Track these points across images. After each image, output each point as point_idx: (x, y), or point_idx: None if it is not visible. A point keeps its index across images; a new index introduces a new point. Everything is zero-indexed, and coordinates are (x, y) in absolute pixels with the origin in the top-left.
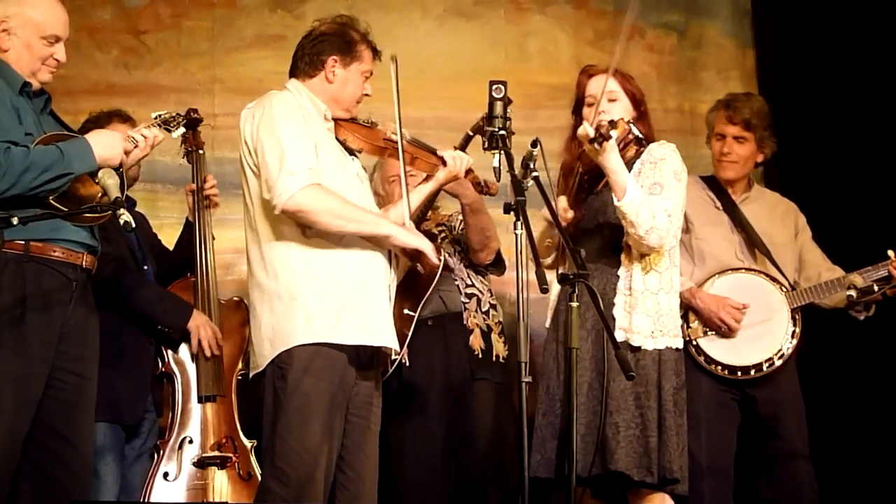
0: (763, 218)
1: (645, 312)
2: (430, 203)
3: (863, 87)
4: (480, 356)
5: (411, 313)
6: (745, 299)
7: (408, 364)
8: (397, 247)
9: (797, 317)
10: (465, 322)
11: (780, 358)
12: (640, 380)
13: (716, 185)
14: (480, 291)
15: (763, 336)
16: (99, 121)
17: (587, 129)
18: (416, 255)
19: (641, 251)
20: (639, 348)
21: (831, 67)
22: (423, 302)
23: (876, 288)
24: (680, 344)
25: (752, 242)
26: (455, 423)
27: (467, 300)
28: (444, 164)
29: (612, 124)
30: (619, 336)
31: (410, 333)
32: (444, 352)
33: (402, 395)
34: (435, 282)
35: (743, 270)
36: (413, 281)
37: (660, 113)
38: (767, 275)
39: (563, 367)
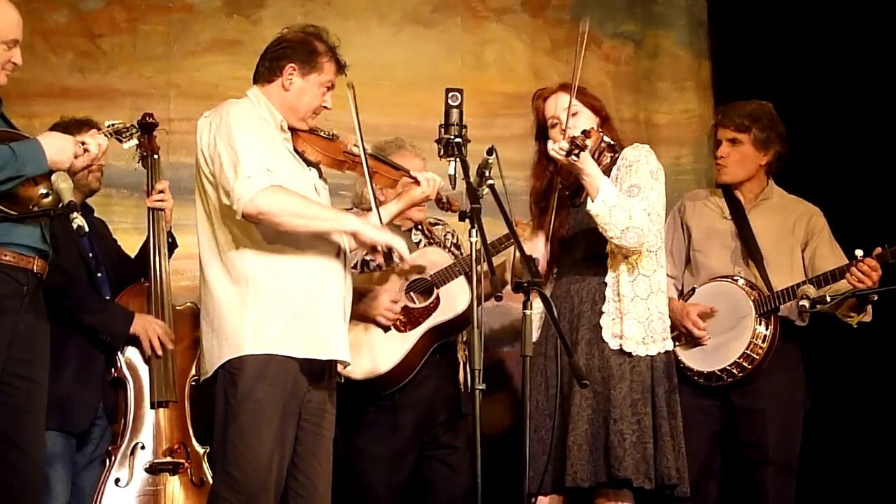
0: (773, 223)
1: (636, 319)
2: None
3: (815, 96)
4: (463, 389)
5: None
6: (717, 306)
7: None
8: (366, 244)
9: (772, 322)
10: (457, 353)
11: (749, 362)
12: (636, 386)
13: (729, 193)
14: None
15: (730, 342)
16: (69, 128)
17: (563, 145)
18: (386, 253)
19: (623, 252)
20: (634, 355)
21: (785, 78)
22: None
23: (829, 298)
24: (670, 346)
25: (748, 250)
26: (428, 446)
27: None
28: (418, 183)
29: (586, 134)
30: (614, 344)
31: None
32: (441, 383)
33: (396, 410)
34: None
35: (719, 279)
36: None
37: (615, 122)
38: (748, 282)
39: (550, 382)
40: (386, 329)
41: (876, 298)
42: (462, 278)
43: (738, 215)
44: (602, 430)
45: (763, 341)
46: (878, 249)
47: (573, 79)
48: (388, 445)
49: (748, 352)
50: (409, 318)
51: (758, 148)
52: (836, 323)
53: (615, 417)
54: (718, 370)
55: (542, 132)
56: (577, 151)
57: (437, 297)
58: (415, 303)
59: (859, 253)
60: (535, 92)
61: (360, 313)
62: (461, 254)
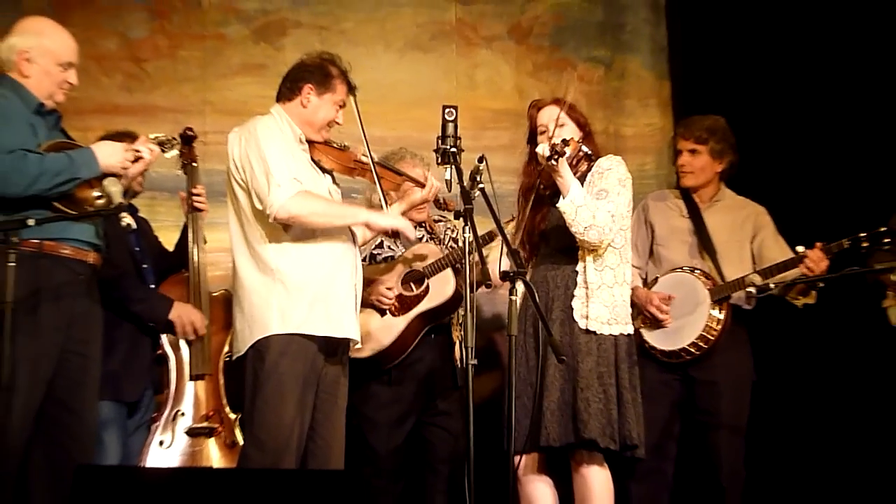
0: (724, 221)
1: (602, 303)
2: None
3: (760, 111)
4: (459, 365)
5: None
6: (677, 295)
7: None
8: (377, 230)
9: (724, 307)
10: (452, 334)
11: (705, 342)
12: (602, 361)
13: (687, 195)
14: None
15: (688, 325)
16: (112, 139)
17: (545, 149)
18: (395, 234)
19: (585, 247)
20: (598, 333)
21: (734, 96)
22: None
23: (772, 286)
24: (631, 330)
25: (704, 245)
26: (426, 413)
27: (453, 315)
28: (422, 186)
29: (566, 142)
30: (582, 324)
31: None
32: (435, 360)
33: (394, 383)
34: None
35: (679, 270)
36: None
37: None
38: (703, 272)
39: (530, 356)
40: (382, 313)
41: (822, 285)
42: (449, 270)
43: (695, 215)
44: (571, 397)
45: (717, 324)
46: (818, 244)
47: (564, 96)
48: (387, 414)
49: (704, 333)
50: (403, 304)
51: (714, 157)
52: (778, 308)
53: (582, 387)
54: (679, 349)
55: (532, 137)
56: (556, 156)
57: (428, 286)
58: (409, 291)
59: (800, 249)
60: (531, 102)
61: (362, 300)
62: (457, 247)
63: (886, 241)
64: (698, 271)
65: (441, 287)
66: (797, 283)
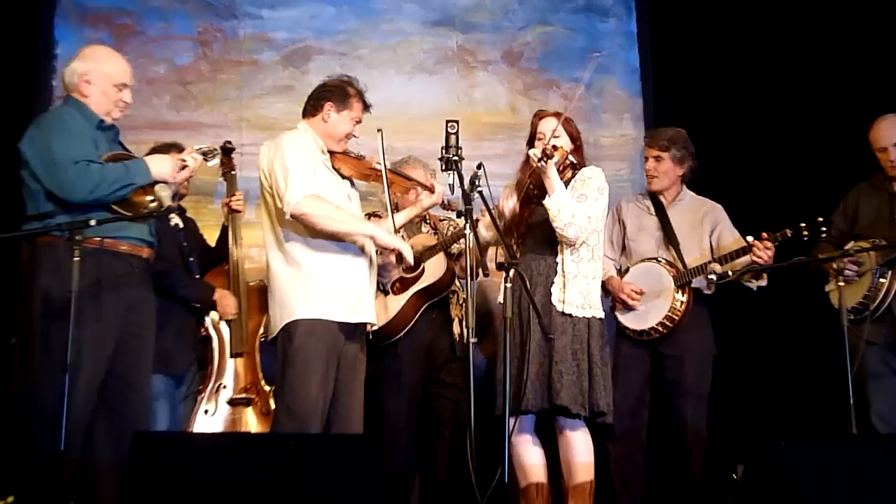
0: (686, 217)
1: (577, 290)
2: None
3: (718, 124)
4: (457, 339)
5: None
6: (646, 281)
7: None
8: (380, 245)
9: (686, 291)
10: (450, 311)
11: (671, 322)
12: (576, 339)
13: (654, 196)
14: (460, 288)
15: (656, 308)
16: (161, 150)
17: (536, 152)
18: (397, 254)
19: (563, 241)
20: (573, 316)
21: (696, 110)
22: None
23: (730, 273)
24: (602, 315)
25: (668, 238)
26: (433, 380)
27: (452, 295)
28: (432, 191)
29: (556, 148)
30: (559, 307)
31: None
32: (436, 334)
33: (400, 355)
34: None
35: (647, 260)
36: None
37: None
38: (668, 262)
39: (516, 332)
40: (385, 293)
41: (768, 271)
42: (442, 254)
43: (661, 212)
44: (547, 370)
45: (681, 305)
46: (765, 234)
47: (565, 111)
48: (396, 382)
49: (669, 314)
50: (403, 285)
51: (675, 163)
52: (735, 294)
53: (557, 360)
54: (648, 328)
55: (532, 141)
56: (545, 159)
57: (423, 269)
58: (408, 273)
59: (750, 238)
60: (535, 111)
61: None
62: (446, 234)
63: (823, 230)
64: (664, 260)
65: (434, 269)
66: (751, 271)
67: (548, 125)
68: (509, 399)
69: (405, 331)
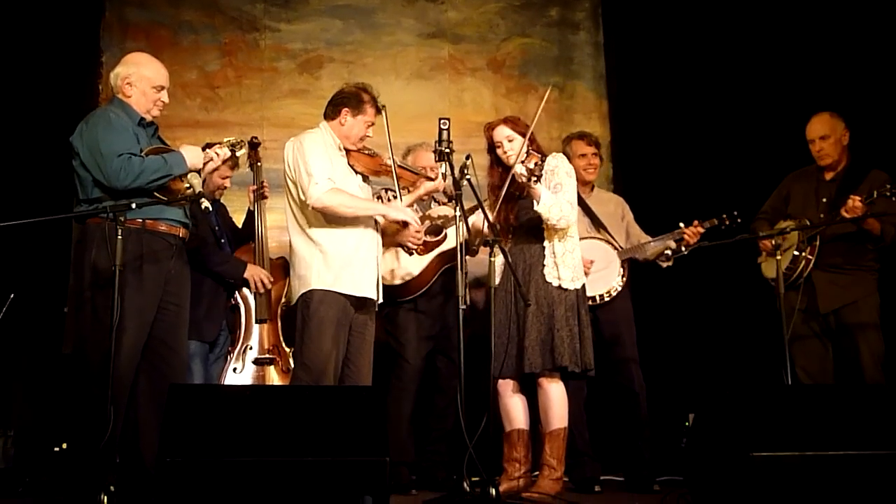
0: (601, 208)
1: (566, 266)
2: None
3: (673, 124)
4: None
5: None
6: (594, 255)
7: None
8: (391, 220)
9: (625, 266)
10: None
11: (614, 291)
12: (569, 307)
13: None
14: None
15: (604, 278)
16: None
17: (524, 172)
18: (404, 224)
19: (555, 230)
20: (567, 289)
21: (659, 113)
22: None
23: (684, 249)
24: (583, 283)
25: (595, 223)
26: (439, 342)
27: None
28: (433, 180)
29: (538, 166)
30: (554, 283)
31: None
32: (449, 296)
33: (418, 310)
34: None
35: (591, 238)
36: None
37: (547, 141)
38: (608, 240)
39: (508, 305)
40: (410, 252)
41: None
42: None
43: (582, 202)
44: (548, 335)
45: (622, 278)
46: (696, 221)
47: (532, 125)
48: (415, 333)
49: (614, 285)
50: (426, 247)
51: (600, 160)
52: (688, 268)
53: (558, 328)
54: (596, 295)
55: (491, 148)
56: (535, 179)
57: (445, 235)
58: (432, 238)
59: (682, 224)
60: (484, 124)
61: (398, 241)
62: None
63: (738, 221)
64: (605, 239)
65: (452, 237)
66: (700, 247)
67: (501, 133)
68: (494, 360)
69: (425, 289)
